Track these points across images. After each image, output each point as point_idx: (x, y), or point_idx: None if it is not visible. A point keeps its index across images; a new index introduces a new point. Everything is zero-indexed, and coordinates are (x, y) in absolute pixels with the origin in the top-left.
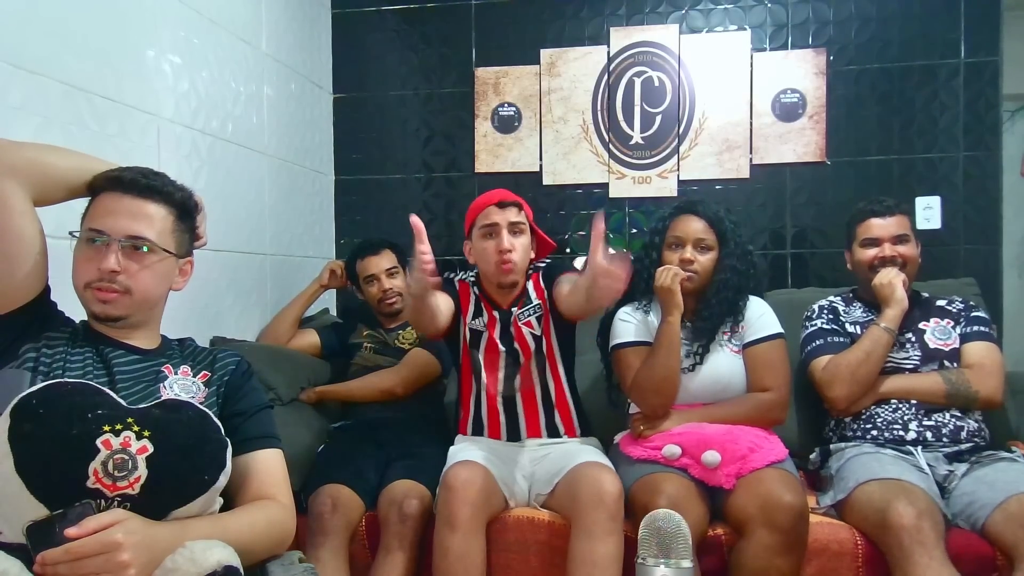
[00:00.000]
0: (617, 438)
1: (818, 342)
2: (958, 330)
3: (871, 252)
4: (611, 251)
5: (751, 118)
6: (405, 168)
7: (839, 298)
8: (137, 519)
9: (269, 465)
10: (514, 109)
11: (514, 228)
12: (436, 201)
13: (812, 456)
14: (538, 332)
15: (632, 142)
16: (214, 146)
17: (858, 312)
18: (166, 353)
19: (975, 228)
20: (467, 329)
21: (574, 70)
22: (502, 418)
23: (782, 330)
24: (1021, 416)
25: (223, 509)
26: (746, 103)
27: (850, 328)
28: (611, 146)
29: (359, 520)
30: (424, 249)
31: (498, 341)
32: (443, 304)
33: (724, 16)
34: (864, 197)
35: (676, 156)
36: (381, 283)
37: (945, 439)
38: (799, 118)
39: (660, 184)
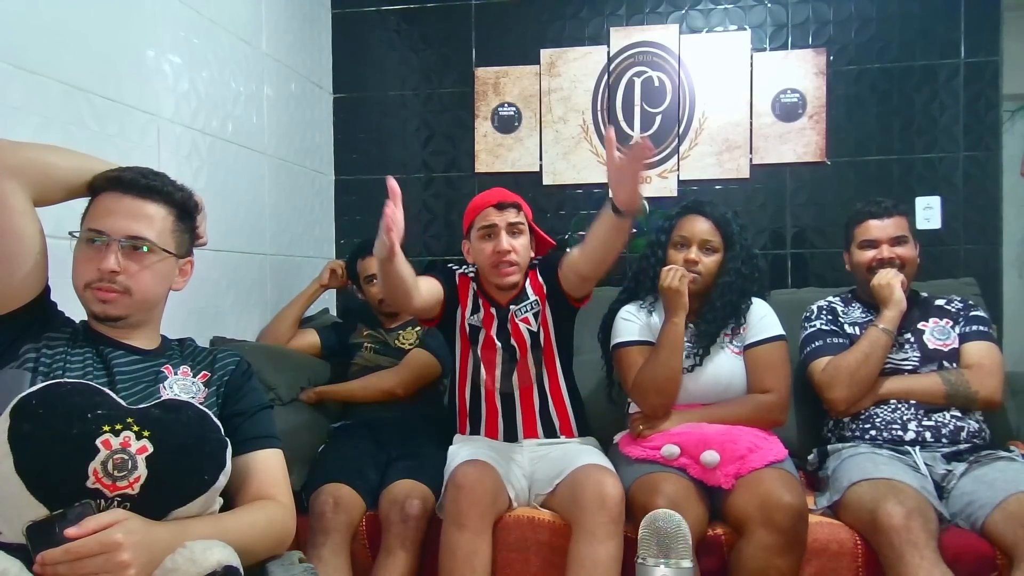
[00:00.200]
0: (616, 438)
1: (817, 343)
2: (957, 330)
3: (869, 254)
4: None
5: (751, 118)
6: (405, 168)
7: (838, 299)
8: (137, 519)
9: (269, 465)
10: (514, 109)
11: (513, 229)
12: (436, 201)
13: (810, 457)
14: (535, 328)
15: (632, 142)
16: (214, 146)
17: (857, 313)
18: (166, 353)
19: (975, 228)
20: (466, 324)
21: (574, 70)
22: (500, 416)
23: (783, 332)
24: (1021, 416)
25: (223, 509)
26: (746, 103)
27: (849, 329)
28: None
29: (360, 520)
30: (390, 211)
31: (495, 337)
32: (424, 285)
33: (724, 16)
34: (864, 197)
35: (676, 156)
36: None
37: (945, 440)
38: (799, 118)
39: (660, 184)
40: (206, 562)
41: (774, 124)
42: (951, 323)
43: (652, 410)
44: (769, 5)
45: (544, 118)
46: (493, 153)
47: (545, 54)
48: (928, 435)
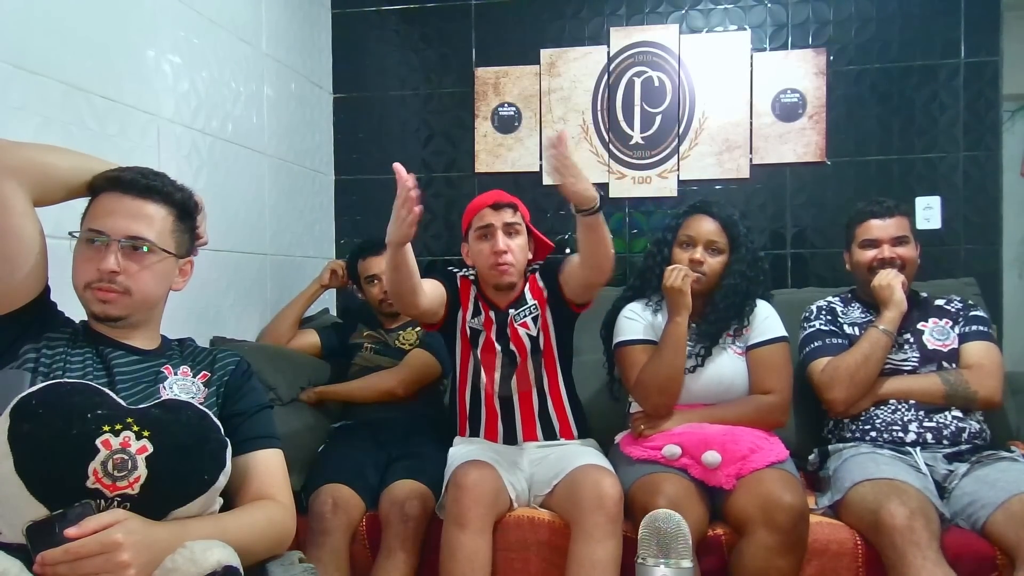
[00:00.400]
0: (617, 438)
1: (816, 343)
2: (957, 330)
3: (870, 253)
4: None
5: (751, 118)
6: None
7: (837, 299)
8: (137, 519)
9: (269, 465)
10: (514, 109)
11: (509, 229)
12: (436, 201)
13: (811, 457)
14: (534, 333)
15: (632, 142)
16: (214, 146)
17: (856, 313)
18: (166, 353)
19: (975, 228)
20: (466, 327)
21: (574, 70)
22: (499, 419)
23: (786, 333)
24: (1021, 416)
25: (223, 509)
26: (746, 103)
27: (848, 329)
28: (611, 146)
29: (360, 520)
30: (412, 183)
31: (495, 341)
32: (429, 287)
33: (724, 16)
34: (864, 197)
35: (676, 156)
36: (383, 283)
37: (946, 440)
38: (799, 118)
39: (660, 184)
40: (206, 562)
41: (774, 124)
42: (951, 323)
43: (654, 409)
44: (769, 5)
45: (544, 118)
46: (493, 153)
47: (545, 54)
48: (929, 436)
